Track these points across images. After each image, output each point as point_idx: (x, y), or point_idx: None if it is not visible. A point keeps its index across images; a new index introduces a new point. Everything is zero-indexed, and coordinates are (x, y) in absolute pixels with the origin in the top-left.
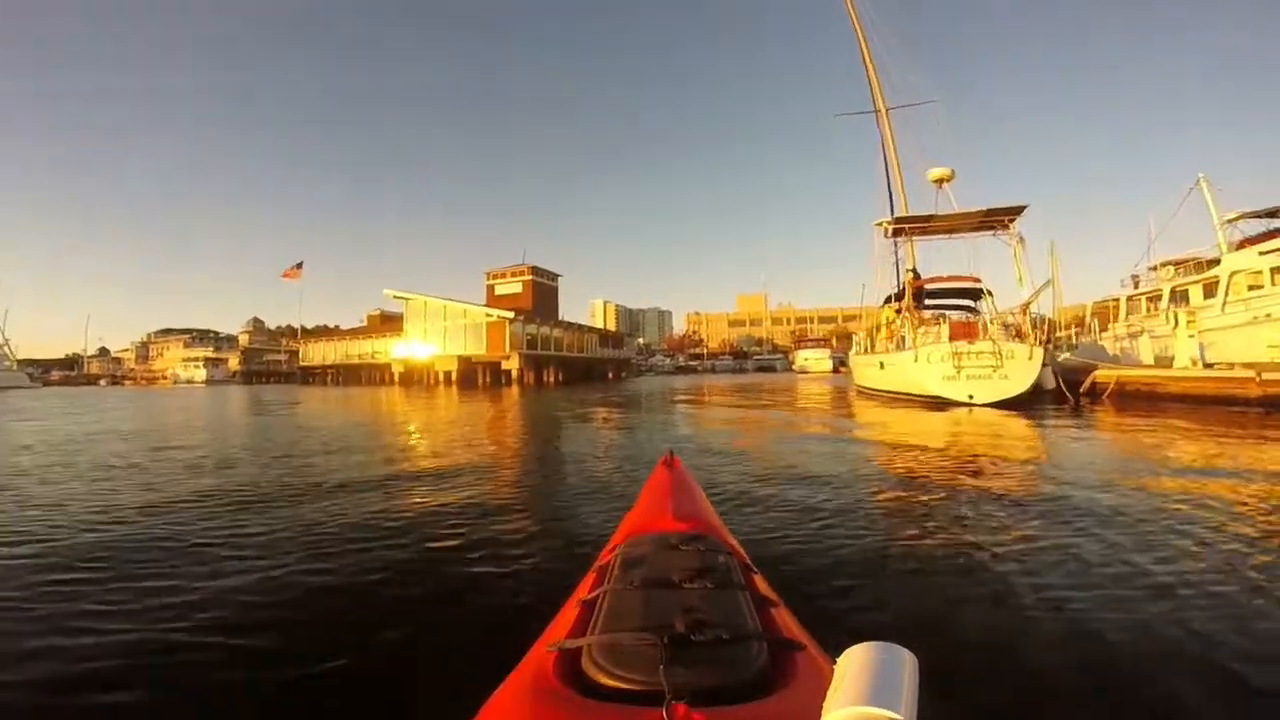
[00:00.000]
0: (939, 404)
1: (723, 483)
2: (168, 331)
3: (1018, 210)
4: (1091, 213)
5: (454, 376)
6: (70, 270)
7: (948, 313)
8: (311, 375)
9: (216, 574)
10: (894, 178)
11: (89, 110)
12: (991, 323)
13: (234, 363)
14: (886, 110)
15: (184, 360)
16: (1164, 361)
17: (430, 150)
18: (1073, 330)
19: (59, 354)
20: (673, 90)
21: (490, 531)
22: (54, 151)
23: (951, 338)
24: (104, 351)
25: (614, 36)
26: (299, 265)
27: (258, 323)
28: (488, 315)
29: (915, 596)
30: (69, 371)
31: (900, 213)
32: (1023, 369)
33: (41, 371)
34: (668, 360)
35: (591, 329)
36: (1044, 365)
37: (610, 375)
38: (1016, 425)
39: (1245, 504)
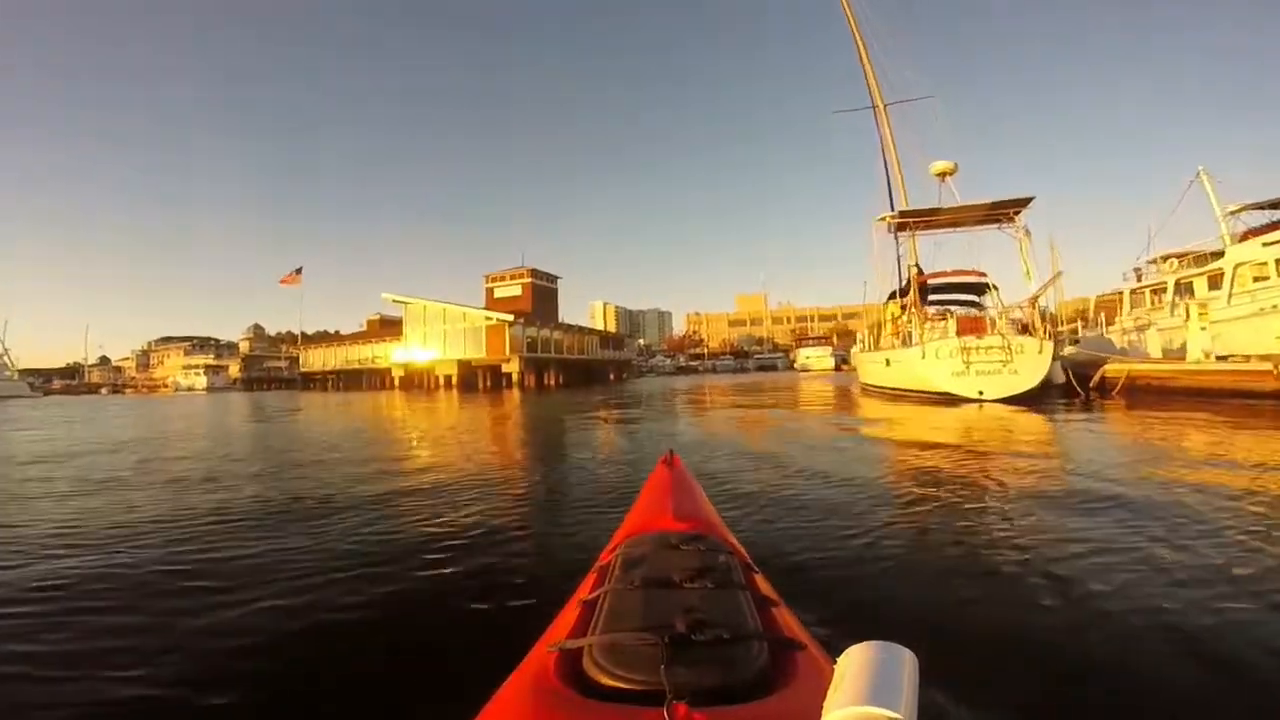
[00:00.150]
0: (948, 400)
1: (727, 484)
2: (168, 339)
3: (1024, 202)
4: (1088, 208)
5: (454, 380)
6: (71, 279)
7: (952, 308)
8: (312, 381)
9: (211, 589)
10: (894, 174)
11: (88, 116)
12: (999, 317)
13: (235, 370)
14: (885, 106)
15: (184, 368)
16: (1171, 354)
17: (428, 152)
18: (1078, 324)
19: (60, 363)
20: (671, 90)
21: (491, 532)
22: (54, 159)
23: (959, 333)
24: (105, 360)
25: (613, 36)
26: (298, 271)
27: (258, 329)
28: (487, 318)
29: (950, 602)
30: (70, 380)
31: (901, 209)
32: (1033, 363)
33: (42, 381)
34: (668, 361)
35: (592, 331)
36: (1053, 360)
37: (611, 377)
38: (1032, 421)
39: None
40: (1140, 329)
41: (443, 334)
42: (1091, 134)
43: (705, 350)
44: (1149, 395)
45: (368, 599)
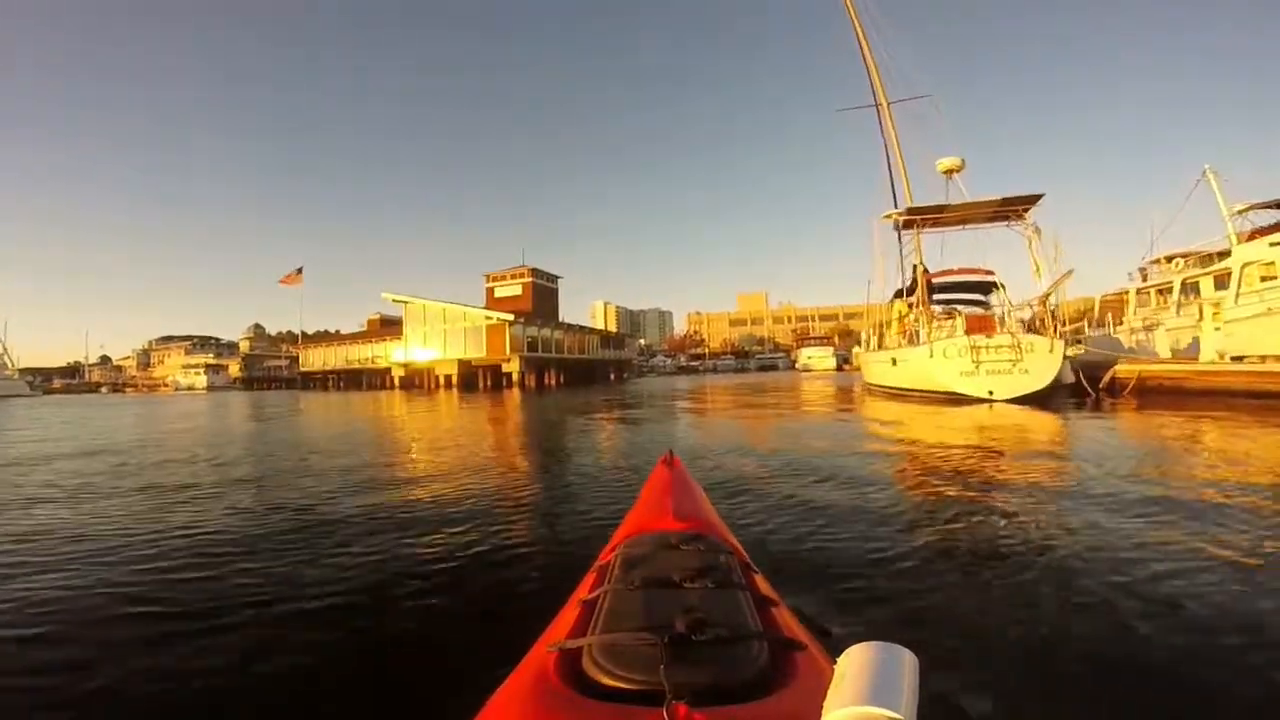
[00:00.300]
0: (956, 400)
1: (732, 486)
2: (169, 339)
3: (1034, 199)
4: (1088, 207)
5: (454, 380)
6: (73, 279)
7: (959, 308)
8: (312, 381)
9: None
10: (898, 172)
11: (89, 116)
12: (1008, 316)
13: (235, 369)
14: (888, 104)
15: (184, 367)
16: (1179, 354)
17: (429, 152)
18: (1084, 323)
19: (61, 362)
20: (672, 90)
21: (491, 532)
22: (55, 158)
23: (968, 331)
24: (105, 359)
25: (613, 36)
26: (299, 270)
27: (259, 329)
28: (487, 318)
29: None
30: (70, 380)
31: (908, 206)
32: (1044, 363)
33: (42, 380)
34: (669, 361)
35: (592, 330)
36: (1063, 359)
37: (612, 377)
38: (1046, 422)
39: None
40: (1149, 329)
41: (443, 333)
42: (1091, 134)
43: (706, 350)
44: (1160, 396)
45: (366, 599)
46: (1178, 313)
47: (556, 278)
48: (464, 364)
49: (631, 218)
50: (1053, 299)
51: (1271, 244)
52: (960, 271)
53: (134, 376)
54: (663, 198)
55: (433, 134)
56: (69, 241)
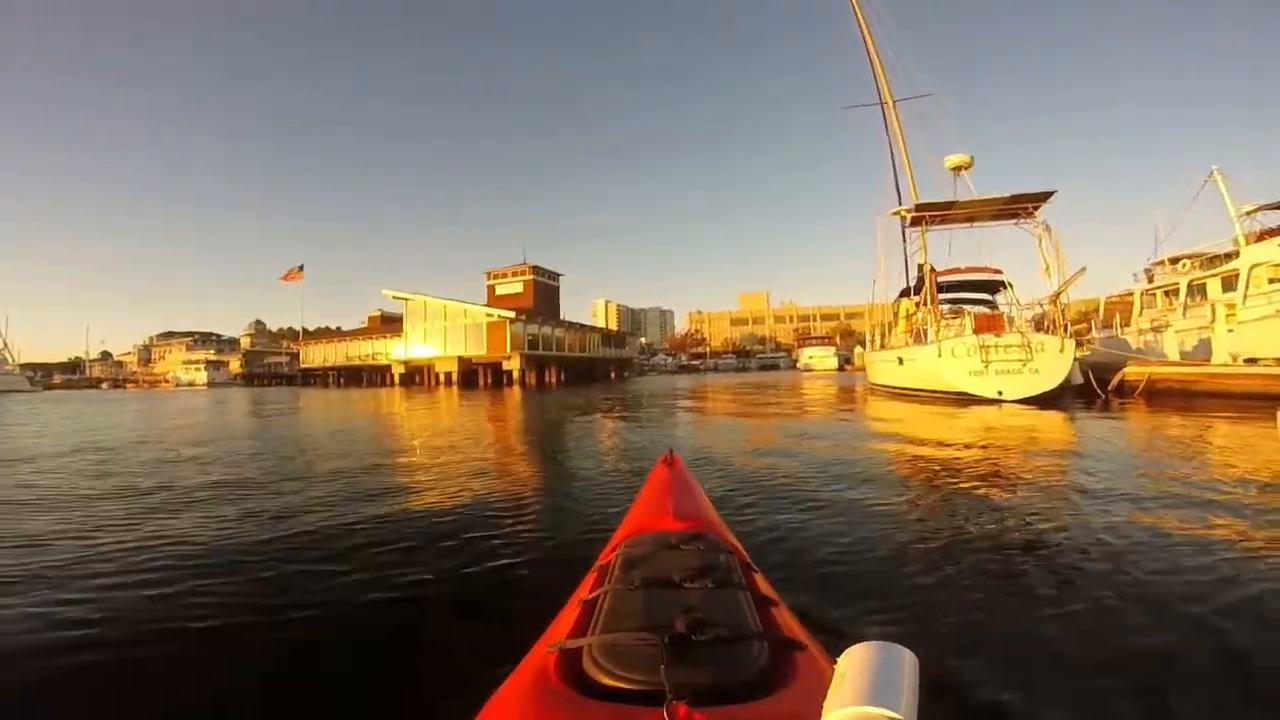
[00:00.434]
0: (964, 400)
1: (734, 488)
2: (170, 335)
3: (1044, 196)
4: (1088, 206)
5: (455, 377)
6: (76, 275)
7: (965, 307)
8: (313, 377)
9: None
10: (902, 170)
11: (92, 113)
12: (1017, 315)
13: (235, 365)
14: (894, 103)
15: (185, 363)
16: (1187, 356)
17: (430, 151)
18: (1089, 323)
19: (62, 358)
20: (673, 89)
21: (491, 532)
22: (54, 159)
23: (976, 330)
24: (106, 355)
25: (614, 36)
26: (300, 268)
27: (260, 325)
28: (488, 315)
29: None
30: (71, 375)
31: (916, 203)
32: (1054, 363)
33: (42, 375)
34: (670, 359)
35: (593, 328)
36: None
37: (613, 375)
38: (1061, 423)
39: None
40: (1157, 330)
41: (443, 330)
42: (1091, 133)
43: (707, 349)
44: (1171, 398)
45: (365, 598)
46: (1184, 314)
47: (558, 275)
48: (464, 361)
49: (633, 216)
50: (1063, 298)
51: None
52: (968, 270)
53: (135, 372)
54: (664, 197)
55: (434, 133)
56: (71, 238)
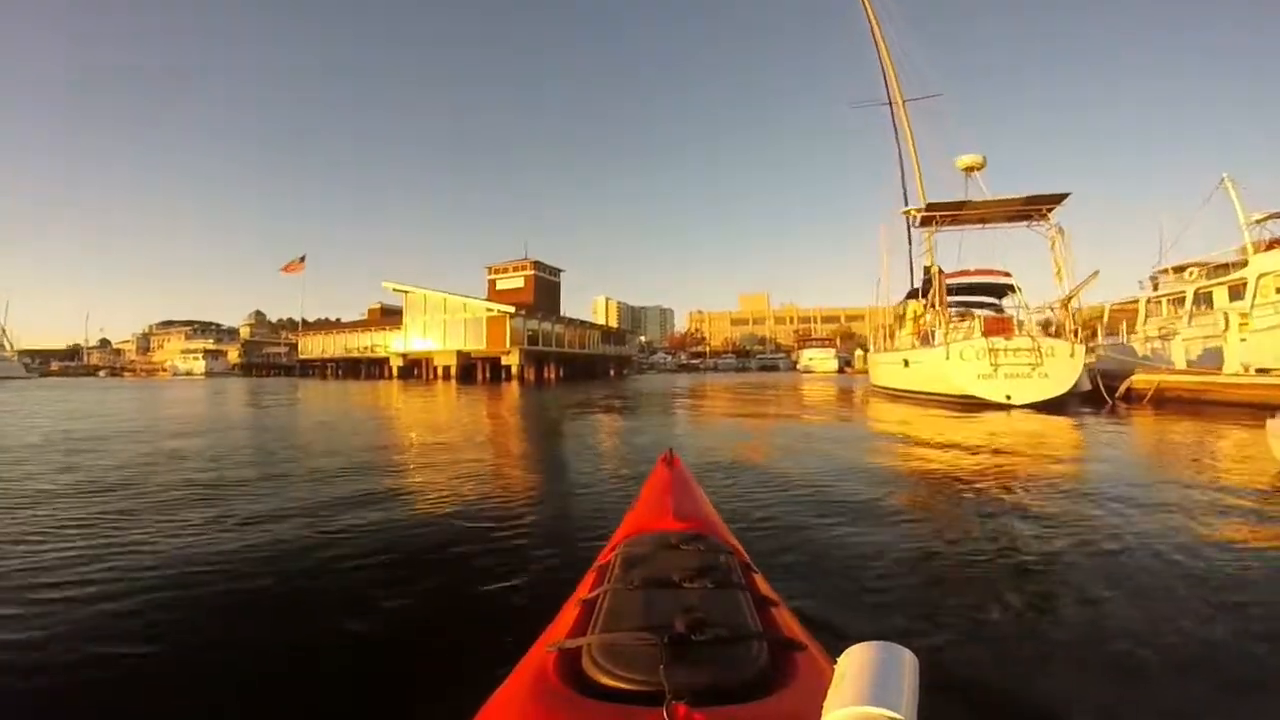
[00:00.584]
0: (971, 404)
1: (736, 489)
2: (169, 323)
3: (1059, 198)
4: (1091, 209)
5: (453, 371)
6: (76, 261)
7: (972, 310)
8: (310, 368)
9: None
10: (910, 169)
11: (96, 99)
12: (1027, 318)
13: (234, 355)
14: (904, 102)
15: (183, 352)
16: (1194, 365)
17: (431, 150)
18: (1095, 329)
19: (61, 344)
20: (677, 88)
21: (490, 531)
22: (64, 140)
23: (985, 333)
24: (105, 343)
25: (615, 35)
26: (302, 259)
27: (259, 315)
28: (488, 310)
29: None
30: (69, 362)
31: (928, 202)
32: (1064, 368)
33: (40, 362)
34: (669, 358)
35: (593, 325)
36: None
37: (612, 373)
38: (1076, 430)
39: None
40: (1164, 338)
41: (443, 324)
42: (1091, 133)
43: (707, 349)
44: (1181, 407)
45: (365, 599)
46: (1189, 323)
47: (559, 271)
48: (463, 355)
49: (634, 214)
50: (1074, 302)
51: None
52: (976, 273)
53: (133, 361)
54: (665, 195)
55: (435, 130)
56: (73, 224)
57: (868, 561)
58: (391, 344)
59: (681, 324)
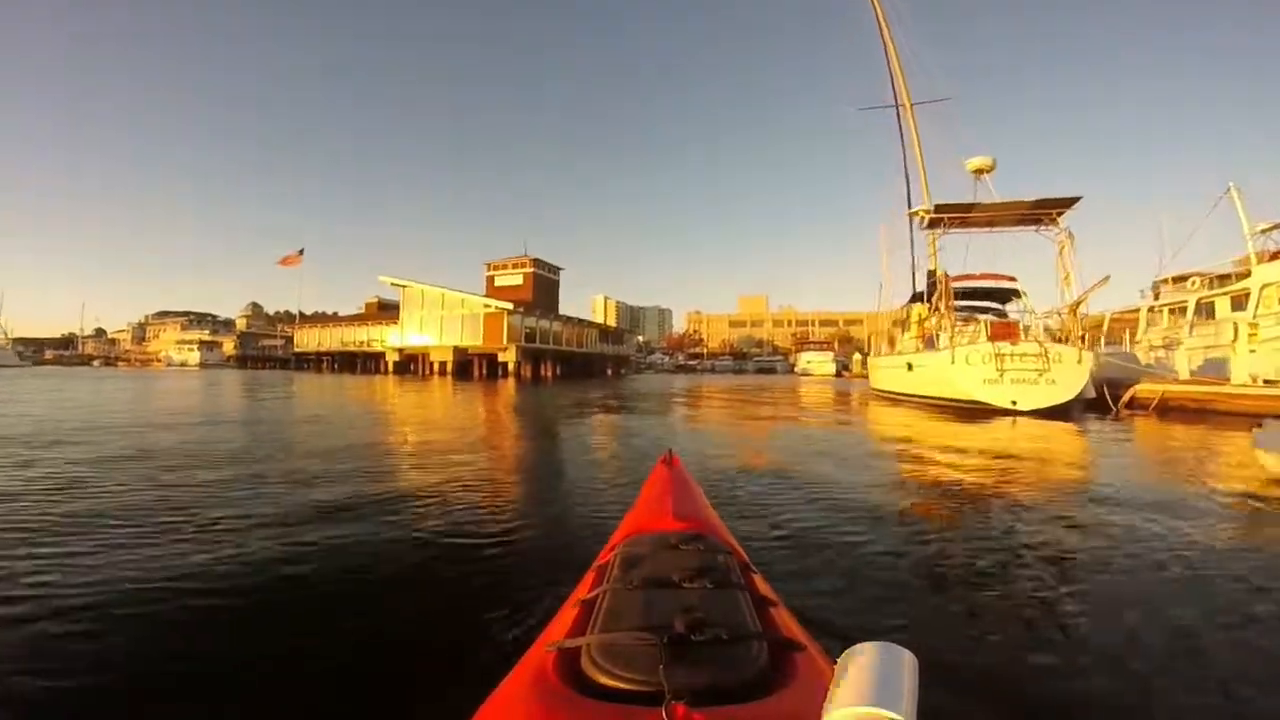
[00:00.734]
0: (975, 410)
1: (736, 489)
2: (165, 314)
3: (1069, 202)
4: (1091, 210)
5: (449, 367)
6: (74, 251)
7: (976, 315)
8: (306, 361)
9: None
10: (915, 171)
11: (95, 89)
12: (1034, 323)
13: (229, 346)
14: (911, 105)
15: (178, 343)
16: (1196, 374)
17: (431, 150)
18: (1096, 337)
19: (56, 333)
20: (678, 88)
21: (490, 531)
22: (61, 130)
23: (992, 337)
24: (100, 332)
25: (616, 34)
26: (300, 252)
27: (256, 307)
28: (486, 306)
29: None
30: (63, 351)
31: (936, 204)
32: (1072, 373)
33: (34, 351)
34: (667, 359)
35: (591, 324)
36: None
37: (609, 372)
38: (1094, 440)
39: None
40: (1168, 347)
41: (440, 320)
42: (1091, 133)
43: (704, 350)
44: (1186, 416)
45: (363, 599)
46: (1190, 333)
47: (558, 269)
48: (460, 351)
49: (635, 214)
50: (1082, 308)
51: None
52: (981, 276)
53: (127, 351)
54: (666, 196)
55: (436, 126)
56: (71, 214)
57: (859, 558)
58: (388, 339)
59: (680, 325)
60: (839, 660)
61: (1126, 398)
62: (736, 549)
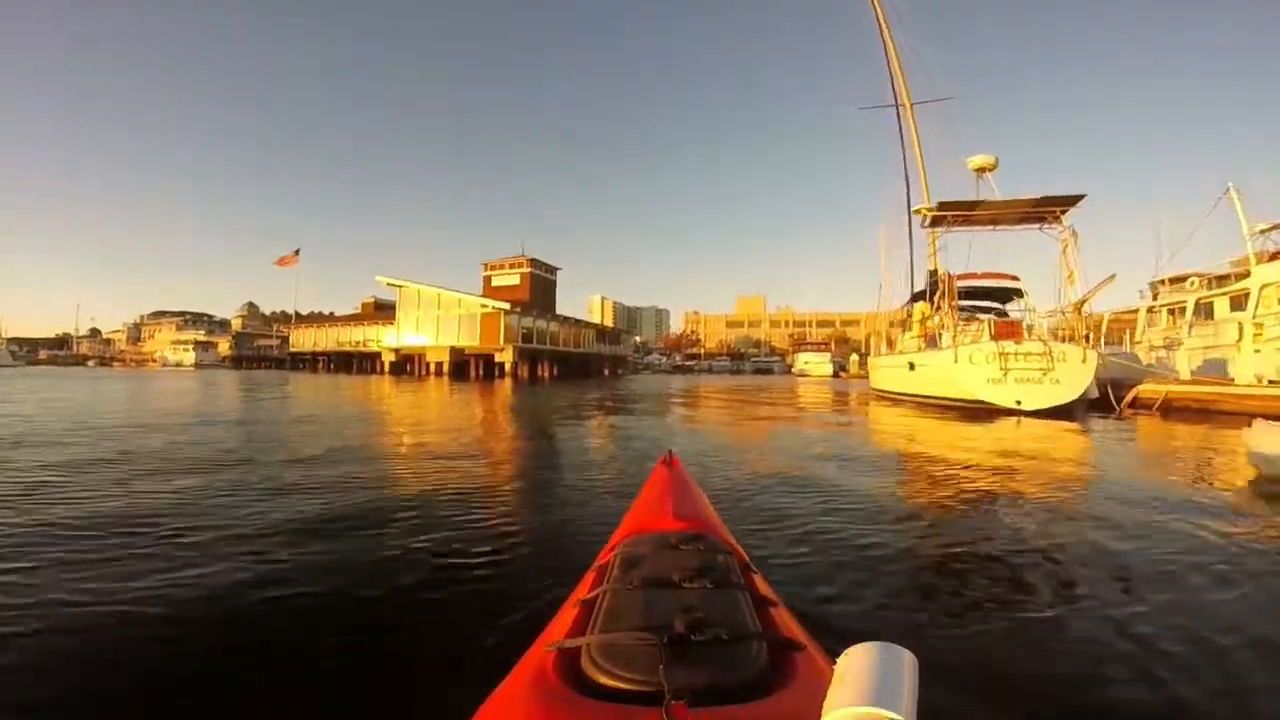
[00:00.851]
0: (979, 410)
1: (737, 490)
2: (161, 314)
3: (1073, 200)
4: (1092, 210)
5: (445, 367)
6: (68, 250)
7: (977, 314)
8: (301, 361)
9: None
10: (916, 174)
11: (91, 88)
12: (1037, 322)
13: (225, 347)
14: (911, 105)
15: (174, 343)
16: (1197, 374)
17: (432, 149)
18: (1096, 337)
19: (51, 333)
20: (675, 89)
21: (489, 532)
22: (60, 130)
23: (995, 337)
24: (95, 332)
25: (615, 34)
26: (296, 252)
27: (252, 307)
28: (483, 306)
29: None
30: (57, 351)
31: (939, 201)
32: (1076, 373)
33: (27, 350)
34: (664, 359)
35: (589, 324)
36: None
37: (606, 372)
38: (1091, 440)
39: None
40: (1169, 347)
41: (436, 320)
42: (1091, 133)
43: (702, 350)
44: (1190, 416)
45: (363, 599)
46: (1190, 333)
47: (555, 269)
48: (456, 351)
49: (634, 214)
50: (1087, 307)
51: None
52: (984, 275)
53: (122, 351)
54: (666, 196)
55: (436, 125)
56: (68, 214)
57: (859, 559)
58: (384, 339)
59: (677, 325)
60: (839, 660)
61: (1130, 398)
62: (736, 549)
